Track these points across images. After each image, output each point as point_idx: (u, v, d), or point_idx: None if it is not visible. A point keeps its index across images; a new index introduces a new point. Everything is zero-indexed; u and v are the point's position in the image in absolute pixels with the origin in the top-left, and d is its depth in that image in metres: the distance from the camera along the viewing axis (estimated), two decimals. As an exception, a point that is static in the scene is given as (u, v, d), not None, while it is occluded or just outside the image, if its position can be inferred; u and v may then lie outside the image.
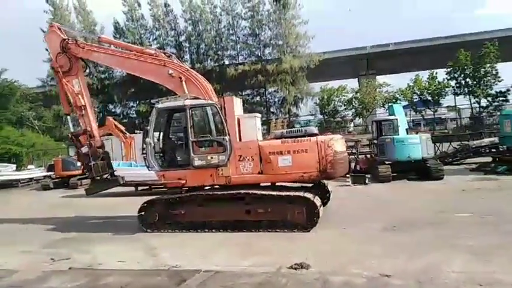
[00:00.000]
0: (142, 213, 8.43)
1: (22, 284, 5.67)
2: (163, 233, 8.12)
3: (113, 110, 42.93)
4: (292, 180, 8.11)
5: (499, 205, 8.77)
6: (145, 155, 8.26)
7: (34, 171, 25.15)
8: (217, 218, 8.02)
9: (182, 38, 40.28)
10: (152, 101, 8.89)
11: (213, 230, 7.91)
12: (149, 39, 40.61)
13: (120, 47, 10.39)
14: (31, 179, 23.69)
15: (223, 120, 8.00)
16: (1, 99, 36.62)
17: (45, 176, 23.29)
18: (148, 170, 8.43)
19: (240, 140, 8.14)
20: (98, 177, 9.37)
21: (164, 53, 9.32)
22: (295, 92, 36.72)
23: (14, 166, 26.71)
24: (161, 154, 8.51)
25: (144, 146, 8.26)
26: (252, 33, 38.44)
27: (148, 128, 8.25)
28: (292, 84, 36.14)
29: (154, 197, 8.78)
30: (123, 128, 19.93)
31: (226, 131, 7.94)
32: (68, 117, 10.84)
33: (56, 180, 20.23)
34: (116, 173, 9.86)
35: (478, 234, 6.66)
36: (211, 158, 7.96)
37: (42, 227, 9.89)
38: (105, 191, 10.34)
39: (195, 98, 8.27)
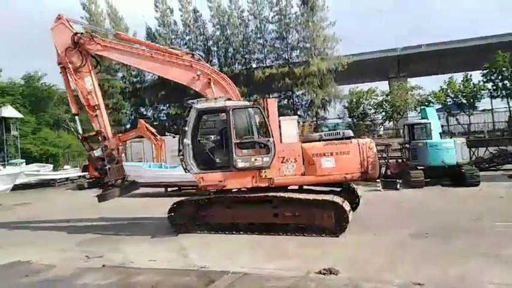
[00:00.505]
0: (172, 214, 8.59)
1: (58, 279, 5.93)
2: (192, 234, 8.23)
3: (144, 113, 44.15)
4: (335, 181, 8.25)
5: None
6: (182, 157, 8.10)
7: (70, 172, 26.28)
8: (245, 220, 8.05)
9: (210, 43, 40.92)
10: (189, 101, 8.45)
11: (241, 232, 7.95)
12: (179, 44, 41.53)
13: (143, 46, 9.58)
14: (67, 179, 24.75)
15: (267, 122, 7.96)
16: (40, 103, 38.49)
17: (80, 176, 24.26)
18: (186, 172, 8.27)
19: (281, 142, 8.14)
20: (112, 182, 8.88)
21: (192, 55, 9.05)
22: (322, 95, 36.39)
23: (51, 166, 27.97)
24: (201, 156, 8.30)
25: (181, 147, 8.07)
26: (280, 37, 38.48)
27: (186, 128, 8.06)
28: (320, 87, 35.84)
29: (183, 198, 8.93)
30: (154, 131, 20.37)
31: (270, 133, 7.91)
32: (77, 117, 9.95)
33: (90, 180, 20.95)
34: (129, 177, 9.59)
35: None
36: (255, 159, 7.94)
37: (77, 225, 10.30)
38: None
39: (229, 99, 8.33)
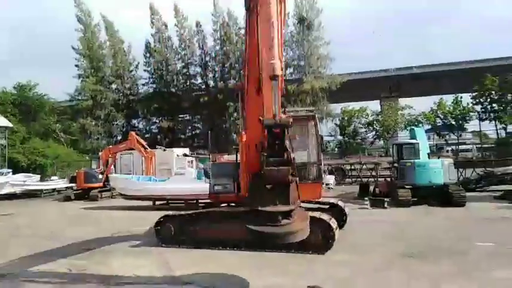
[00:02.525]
0: (159, 227, 8.53)
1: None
2: (179, 248, 8.15)
3: (136, 125, 44.09)
4: None
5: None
6: None
7: (57, 182, 25.89)
8: (232, 236, 7.99)
9: (207, 58, 41.32)
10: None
11: (227, 248, 7.89)
12: (174, 58, 41.91)
13: None
14: (54, 190, 24.37)
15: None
16: (31, 112, 38.25)
17: (67, 188, 23.93)
18: None
19: None
20: None
21: None
22: (315, 112, 36.73)
23: (38, 177, 27.56)
24: None
25: None
26: (275, 54, 38.95)
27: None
28: (313, 104, 36.24)
29: (171, 212, 8.88)
30: (144, 143, 20.33)
31: None
32: None
33: (77, 191, 20.72)
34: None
35: (500, 265, 6.39)
36: None
37: (62, 237, 10.11)
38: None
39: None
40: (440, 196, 13.72)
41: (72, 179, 23.11)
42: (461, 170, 19.13)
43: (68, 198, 20.27)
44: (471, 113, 37.15)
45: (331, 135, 42.38)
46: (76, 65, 41.46)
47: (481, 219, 10.79)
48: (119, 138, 40.04)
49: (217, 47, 40.53)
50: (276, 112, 5.28)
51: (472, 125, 39.60)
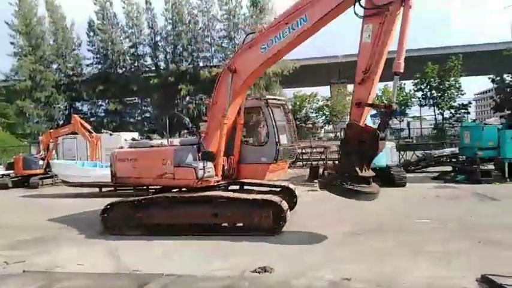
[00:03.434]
0: (106, 215, 8.18)
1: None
2: (127, 235, 7.89)
3: (80, 108, 41.66)
4: None
5: (457, 212, 9.15)
6: None
7: (-8, 169, 23.84)
8: (184, 221, 7.90)
9: (158, 38, 39.70)
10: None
11: (179, 234, 7.78)
12: (120, 37, 39.84)
13: None
14: (-12, 177, 22.43)
15: None
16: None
17: (3, 175, 22.10)
18: None
19: None
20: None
21: None
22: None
23: (-31, 163, 25.22)
24: None
25: None
26: (228, 36, 38.44)
27: None
28: (266, 88, 36.41)
29: (118, 199, 8.55)
30: (89, 127, 19.23)
31: None
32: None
33: (15, 179, 19.28)
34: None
35: (437, 240, 6.92)
36: None
37: (-3, 228, 9.38)
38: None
39: None
40: (383, 177, 14.47)
41: (10, 166, 21.39)
42: (402, 152, 20.33)
43: (4, 186, 18.77)
44: (413, 99, 39.46)
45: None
46: (11, 42, 38.04)
47: (419, 198, 11.58)
48: (61, 122, 37.63)
49: (169, 27, 39.04)
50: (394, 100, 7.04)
51: (414, 111, 42.23)
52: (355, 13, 6.65)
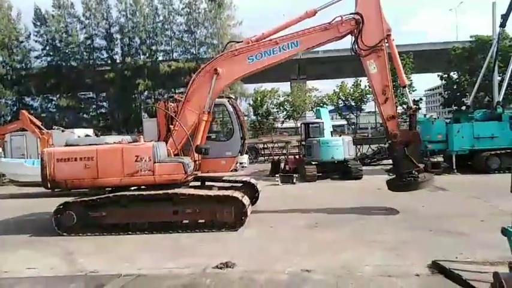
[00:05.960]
0: (58, 215, 7.78)
1: None
2: (83, 236, 7.57)
3: (30, 103, 39.27)
4: None
5: (409, 202, 9.61)
6: None
7: None
8: (143, 219, 7.70)
9: (113, 30, 38.20)
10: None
11: (138, 232, 7.58)
12: (76, 28, 37.96)
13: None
14: None
15: None
16: None
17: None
18: None
19: None
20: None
21: None
22: (229, 93, 36.84)
23: None
24: None
25: None
26: (188, 30, 37.80)
27: None
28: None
29: (71, 198, 8.15)
30: (39, 123, 18.12)
31: None
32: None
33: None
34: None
35: (390, 230, 7.25)
36: None
37: None
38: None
39: None
40: (341, 170, 14.98)
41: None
42: (358, 146, 21.10)
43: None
44: (368, 95, 40.94)
45: (245, 115, 43.11)
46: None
47: (374, 190, 12.06)
48: (9, 118, 35.24)
49: (122, 19, 37.68)
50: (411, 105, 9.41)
51: (369, 106, 43.82)
52: (353, 51, 8.86)
